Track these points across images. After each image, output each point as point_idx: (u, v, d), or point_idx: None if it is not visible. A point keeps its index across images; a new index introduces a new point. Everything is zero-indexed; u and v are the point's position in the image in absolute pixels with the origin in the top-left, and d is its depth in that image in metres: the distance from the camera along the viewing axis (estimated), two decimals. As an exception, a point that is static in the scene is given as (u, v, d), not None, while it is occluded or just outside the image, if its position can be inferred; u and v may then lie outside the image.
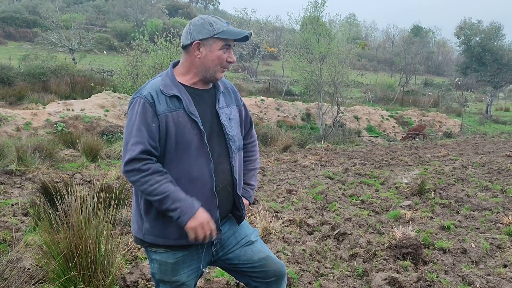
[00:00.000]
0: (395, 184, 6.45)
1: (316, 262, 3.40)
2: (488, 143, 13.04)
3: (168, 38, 12.96)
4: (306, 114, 17.80)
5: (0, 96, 15.30)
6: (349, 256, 3.50)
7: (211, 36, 1.73)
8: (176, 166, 1.72)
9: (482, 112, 24.86)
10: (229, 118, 1.86)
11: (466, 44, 25.60)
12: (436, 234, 4.06)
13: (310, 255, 3.51)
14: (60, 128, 10.84)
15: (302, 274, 3.14)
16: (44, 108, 12.24)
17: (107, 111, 12.83)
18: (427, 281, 2.99)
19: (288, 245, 3.73)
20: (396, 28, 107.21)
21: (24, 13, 40.77)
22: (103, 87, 14.62)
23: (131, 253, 3.41)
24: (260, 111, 16.73)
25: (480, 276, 3.11)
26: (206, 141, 1.74)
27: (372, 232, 4.15)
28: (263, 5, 68.97)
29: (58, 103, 12.92)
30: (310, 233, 4.10)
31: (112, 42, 35.98)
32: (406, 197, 5.63)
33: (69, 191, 2.85)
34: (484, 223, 4.44)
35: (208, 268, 2.94)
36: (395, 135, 16.93)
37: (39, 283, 2.56)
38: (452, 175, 7.16)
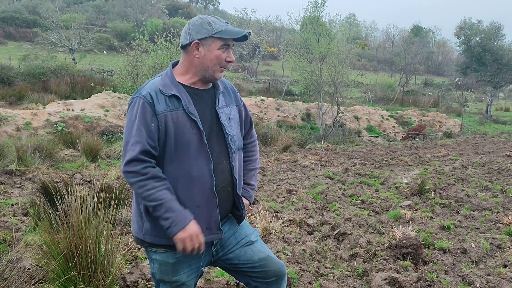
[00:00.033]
0: (395, 184, 6.45)
1: (316, 262, 3.40)
2: (488, 143, 13.04)
3: (168, 38, 12.96)
4: (306, 114, 17.80)
5: (0, 96, 15.31)
6: (349, 256, 3.50)
7: (210, 36, 1.73)
8: (176, 165, 1.72)
9: (482, 112, 24.86)
10: (229, 118, 1.86)
11: (466, 44, 25.60)
12: (436, 234, 4.06)
13: (310, 255, 3.51)
14: (60, 128, 10.85)
15: (302, 274, 3.14)
16: (44, 108, 12.24)
17: (107, 111, 12.83)
18: (427, 281, 2.99)
19: (288, 245, 3.73)
20: (396, 28, 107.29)
21: (24, 13, 40.77)
22: (103, 87, 14.63)
23: (131, 253, 3.41)
24: (260, 111, 16.74)
25: (480, 276, 3.11)
26: (205, 141, 1.74)
27: (372, 232, 4.15)
28: (263, 5, 69.01)
29: (58, 103, 12.92)
30: (310, 233, 4.10)
31: (112, 42, 35.98)
32: (406, 197, 5.63)
33: (69, 191, 2.85)
34: (484, 223, 4.44)
35: (208, 268, 2.95)
36: (395, 135, 16.93)
37: (39, 283, 2.56)
38: (452, 175, 7.16)
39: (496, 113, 25.38)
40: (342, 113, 16.30)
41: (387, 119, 18.84)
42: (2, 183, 5.69)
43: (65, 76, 18.55)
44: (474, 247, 3.67)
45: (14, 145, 7.11)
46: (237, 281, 2.89)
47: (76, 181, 5.57)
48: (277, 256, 3.19)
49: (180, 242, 1.67)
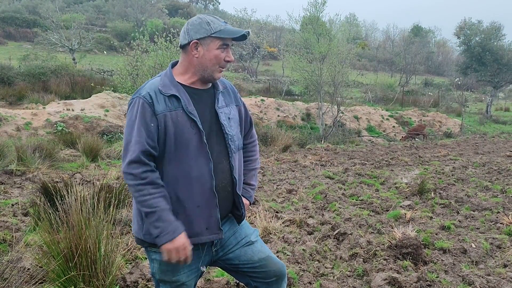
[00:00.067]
0: (395, 184, 6.45)
1: (316, 262, 3.40)
2: (488, 143, 13.04)
3: (168, 38, 12.96)
4: (306, 114, 17.80)
5: (0, 96, 15.31)
6: (349, 256, 3.50)
7: (209, 36, 1.73)
8: (176, 165, 1.72)
9: (482, 112, 24.85)
10: (228, 118, 1.86)
11: (466, 44, 25.59)
12: (436, 234, 4.06)
13: (310, 255, 3.51)
14: (60, 128, 10.85)
15: (302, 274, 3.14)
16: (44, 108, 12.25)
17: (107, 111, 12.83)
18: (427, 281, 2.99)
19: (288, 245, 3.73)
20: (396, 28, 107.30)
21: (24, 13, 40.78)
22: (103, 87, 14.63)
23: (131, 253, 3.41)
24: (260, 111, 16.74)
25: (480, 276, 3.11)
26: (205, 141, 1.74)
27: (372, 232, 4.15)
28: (263, 5, 68.98)
29: (58, 103, 12.93)
30: (310, 233, 4.10)
31: (112, 42, 35.99)
32: (406, 197, 5.63)
33: (69, 191, 2.85)
34: (484, 223, 4.44)
35: (208, 267, 2.95)
36: (395, 135, 16.93)
37: (39, 283, 2.56)
38: (452, 175, 7.16)
39: (496, 113, 25.38)
40: (342, 113, 16.30)
41: (387, 119, 18.84)
42: (2, 183, 5.69)
43: (65, 76, 18.55)
44: (474, 247, 3.67)
45: (14, 145, 7.11)
46: (237, 281, 2.89)
47: (76, 181, 5.57)
48: (277, 256, 3.19)
49: (166, 252, 1.69)
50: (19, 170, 6.28)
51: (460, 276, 3.14)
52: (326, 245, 3.75)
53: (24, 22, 38.17)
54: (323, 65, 15.80)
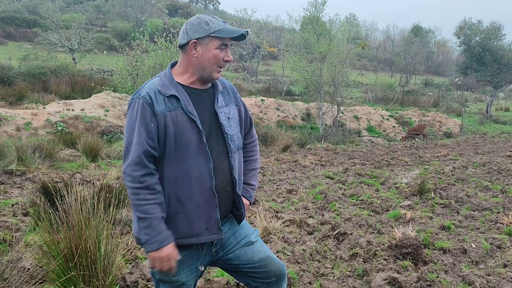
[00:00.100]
0: (395, 184, 6.45)
1: (316, 262, 3.40)
2: (488, 143, 13.04)
3: (168, 38, 12.95)
4: (306, 114, 17.80)
5: (0, 96, 15.31)
6: (349, 256, 3.50)
7: (208, 35, 1.73)
8: (176, 165, 1.72)
9: (482, 112, 24.85)
10: (228, 118, 1.86)
11: (466, 44, 25.60)
12: (436, 234, 4.05)
13: (310, 255, 3.51)
14: (60, 128, 10.84)
15: (302, 274, 3.14)
16: (44, 108, 12.24)
17: (107, 111, 12.83)
18: (427, 281, 2.99)
19: (288, 245, 3.73)
20: (396, 28, 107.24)
21: (24, 13, 40.78)
22: (103, 87, 14.62)
23: (131, 253, 3.41)
24: (260, 111, 16.74)
25: (480, 276, 3.11)
26: (205, 140, 1.74)
27: (372, 232, 4.15)
28: (263, 5, 69.00)
29: (58, 103, 12.93)
30: (310, 233, 4.10)
31: (112, 42, 35.99)
32: (406, 197, 5.63)
33: (69, 191, 2.85)
34: (484, 223, 4.44)
35: (208, 268, 2.95)
36: (395, 135, 16.93)
37: (39, 283, 2.56)
38: (452, 175, 7.16)
39: (496, 113, 25.38)
40: (342, 113, 16.30)
41: (387, 119, 18.84)
42: (2, 183, 5.69)
43: (65, 76, 18.55)
44: (474, 247, 3.67)
45: (14, 145, 7.11)
46: (237, 281, 2.89)
47: (76, 181, 5.57)
48: (277, 256, 3.19)
49: (151, 260, 1.72)
50: (19, 170, 6.28)
51: (460, 276, 3.14)
52: (326, 245, 3.75)
53: (24, 22, 38.17)
54: (323, 65, 15.80)
